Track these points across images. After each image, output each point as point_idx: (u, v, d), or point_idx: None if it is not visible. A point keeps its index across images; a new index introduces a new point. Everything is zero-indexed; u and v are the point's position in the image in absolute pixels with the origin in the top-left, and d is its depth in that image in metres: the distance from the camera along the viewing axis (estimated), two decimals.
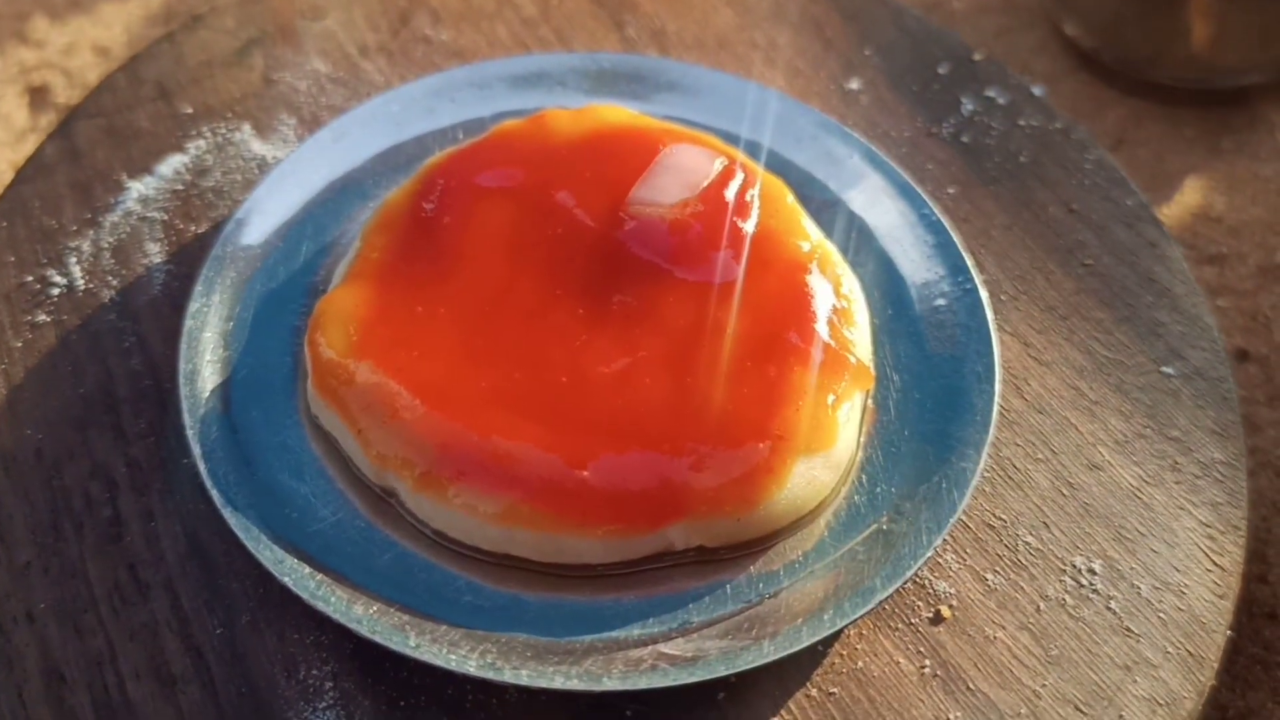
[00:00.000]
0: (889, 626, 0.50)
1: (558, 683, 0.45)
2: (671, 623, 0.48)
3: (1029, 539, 0.53)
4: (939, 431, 0.53)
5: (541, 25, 0.73)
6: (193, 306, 0.56)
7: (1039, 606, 0.51)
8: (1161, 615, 0.51)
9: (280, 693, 0.48)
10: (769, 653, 0.46)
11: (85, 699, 0.48)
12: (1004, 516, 0.54)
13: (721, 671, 0.45)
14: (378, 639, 0.46)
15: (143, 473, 0.54)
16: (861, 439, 0.54)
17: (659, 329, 0.53)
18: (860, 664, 0.49)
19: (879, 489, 0.52)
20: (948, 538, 0.52)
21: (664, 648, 0.47)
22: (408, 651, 0.46)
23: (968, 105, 0.69)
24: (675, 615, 0.48)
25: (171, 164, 0.65)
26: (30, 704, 0.48)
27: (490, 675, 0.45)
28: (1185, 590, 0.52)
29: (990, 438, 0.52)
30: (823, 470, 0.51)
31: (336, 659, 0.49)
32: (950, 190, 0.65)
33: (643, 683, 0.45)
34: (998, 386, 0.54)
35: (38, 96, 0.89)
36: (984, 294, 0.57)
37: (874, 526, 0.51)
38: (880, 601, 0.47)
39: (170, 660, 0.49)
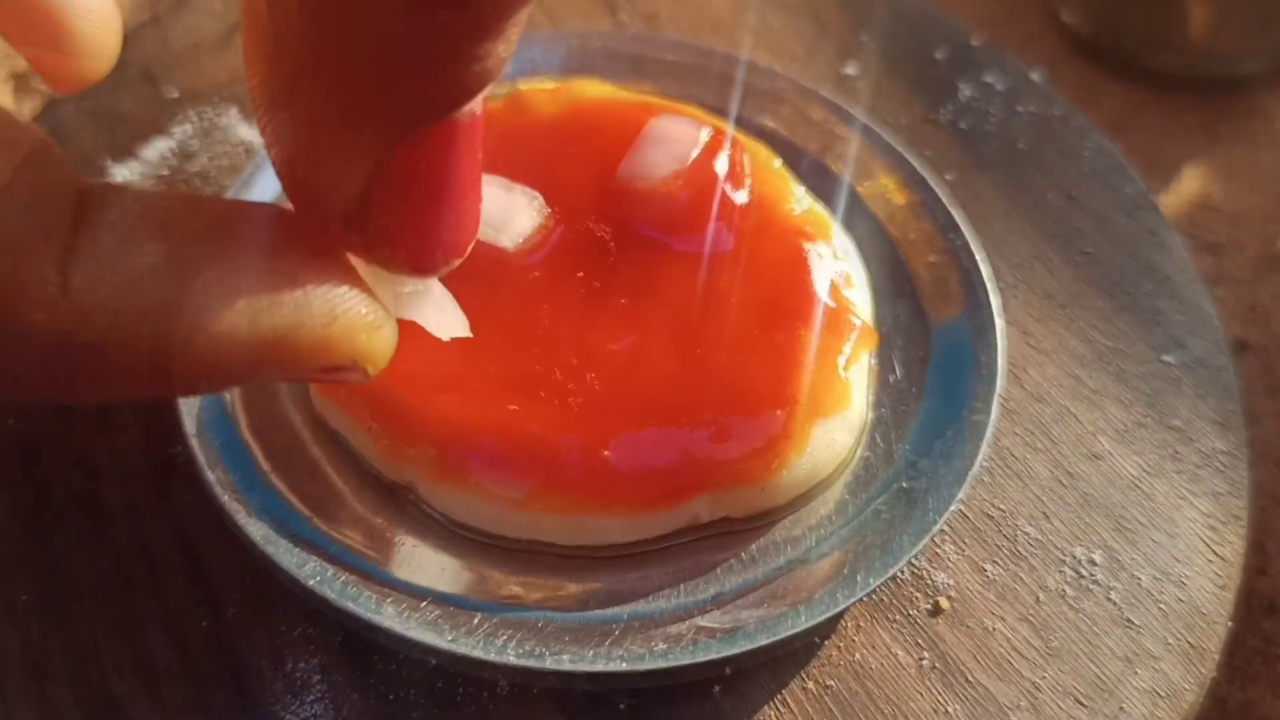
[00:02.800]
0: (887, 618, 0.49)
1: (599, 665, 0.44)
2: (705, 596, 0.47)
3: (1028, 529, 0.52)
4: (945, 387, 0.53)
5: (534, 8, 0.72)
6: None
7: (1039, 598, 0.50)
8: (1162, 606, 0.50)
9: (268, 686, 0.47)
10: (805, 619, 0.45)
11: (69, 693, 0.47)
12: (1003, 507, 0.53)
13: (763, 641, 0.45)
14: (412, 636, 0.45)
15: (127, 463, 0.53)
16: (870, 399, 0.53)
17: (663, 303, 0.53)
18: (858, 656, 0.48)
19: (894, 448, 0.52)
20: (946, 528, 0.52)
21: (701, 621, 0.46)
22: (444, 646, 0.44)
23: (966, 91, 0.68)
24: (707, 588, 0.48)
25: (157, 148, 0.64)
26: (12, 698, 0.47)
27: (531, 663, 0.44)
28: (1186, 581, 0.51)
29: (999, 389, 0.51)
30: (840, 432, 0.50)
31: (324, 652, 0.48)
32: (948, 177, 0.64)
33: (686, 658, 0.44)
34: (1000, 339, 0.53)
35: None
36: (975, 247, 0.56)
37: (894, 485, 0.50)
38: (908, 559, 0.47)
39: (155, 654, 0.48)
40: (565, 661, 0.44)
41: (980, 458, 0.49)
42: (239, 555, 0.49)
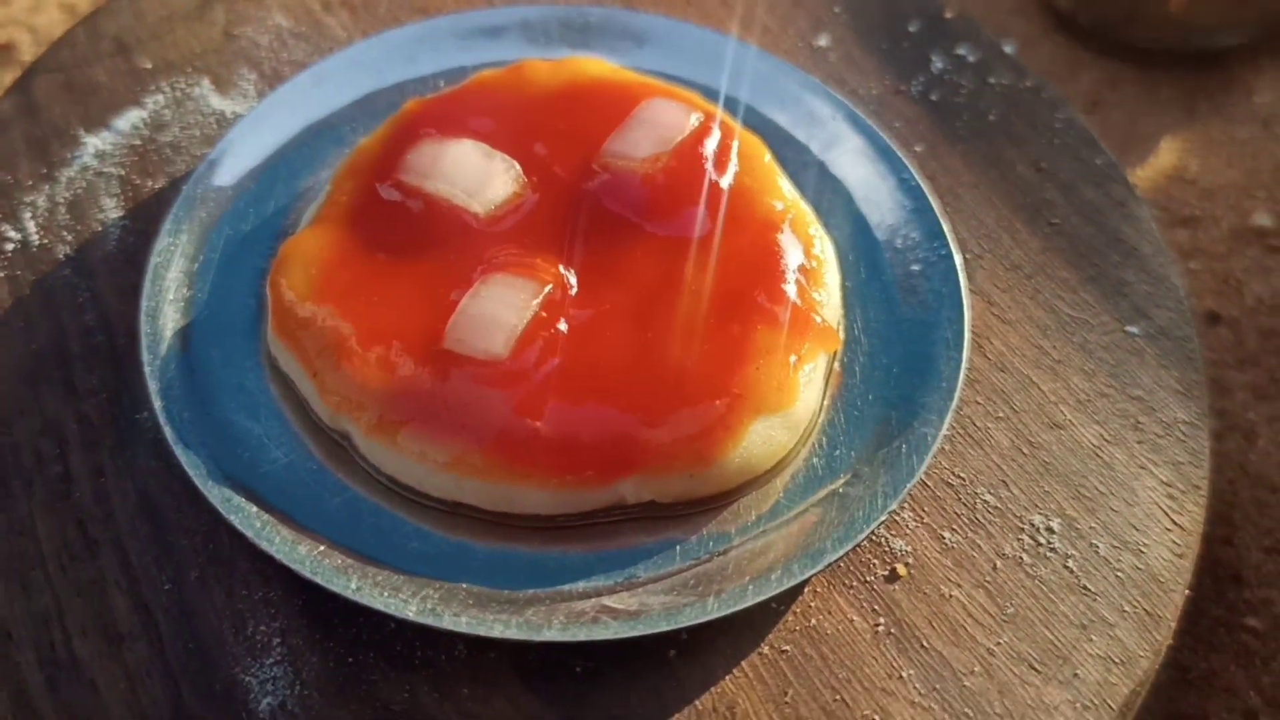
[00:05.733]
0: (844, 584, 0.50)
1: (496, 631, 0.45)
2: (618, 577, 0.48)
3: (988, 497, 0.52)
4: (903, 397, 0.53)
5: None
6: (159, 244, 0.55)
7: (995, 565, 0.50)
8: (1119, 574, 0.50)
9: (228, 649, 0.48)
10: (713, 610, 0.45)
11: (31, 656, 0.48)
12: (963, 475, 0.53)
13: (663, 627, 0.45)
14: (319, 580, 0.46)
15: (93, 429, 0.53)
16: (825, 401, 0.53)
17: (623, 283, 0.53)
18: (814, 621, 0.49)
19: (838, 451, 0.52)
20: (905, 498, 0.52)
21: (607, 601, 0.46)
22: (349, 594, 0.45)
23: (937, 63, 0.69)
24: (623, 570, 0.48)
25: (129, 119, 0.64)
26: None
27: (429, 621, 0.45)
28: (1144, 549, 0.51)
29: (954, 405, 0.51)
30: (780, 430, 0.50)
31: (285, 615, 0.48)
32: (918, 149, 0.64)
33: (582, 634, 0.45)
34: (966, 354, 0.53)
35: (3, 54, 0.88)
36: (959, 260, 0.56)
37: (830, 488, 0.50)
38: (829, 564, 0.47)
39: (118, 617, 0.48)
40: (463, 624, 0.45)
41: (920, 472, 0.49)
42: (202, 519, 0.49)
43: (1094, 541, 0.51)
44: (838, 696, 0.47)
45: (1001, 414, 0.55)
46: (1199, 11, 0.82)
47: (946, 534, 0.51)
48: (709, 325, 0.51)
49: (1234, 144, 0.81)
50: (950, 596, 0.49)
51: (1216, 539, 0.62)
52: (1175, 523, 0.52)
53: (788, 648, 0.48)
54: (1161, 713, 0.56)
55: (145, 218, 0.60)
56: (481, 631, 0.45)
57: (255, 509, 0.48)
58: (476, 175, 0.55)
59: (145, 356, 0.51)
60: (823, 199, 0.59)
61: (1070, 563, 0.51)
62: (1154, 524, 0.52)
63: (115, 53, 0.67)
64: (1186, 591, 0.50)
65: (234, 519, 0.47)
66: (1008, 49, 0.70)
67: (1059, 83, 0.77)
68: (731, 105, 0.61)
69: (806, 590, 0.49)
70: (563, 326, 0.51)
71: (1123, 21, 0.85)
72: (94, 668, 0.47)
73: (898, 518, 0.52)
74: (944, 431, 0.50)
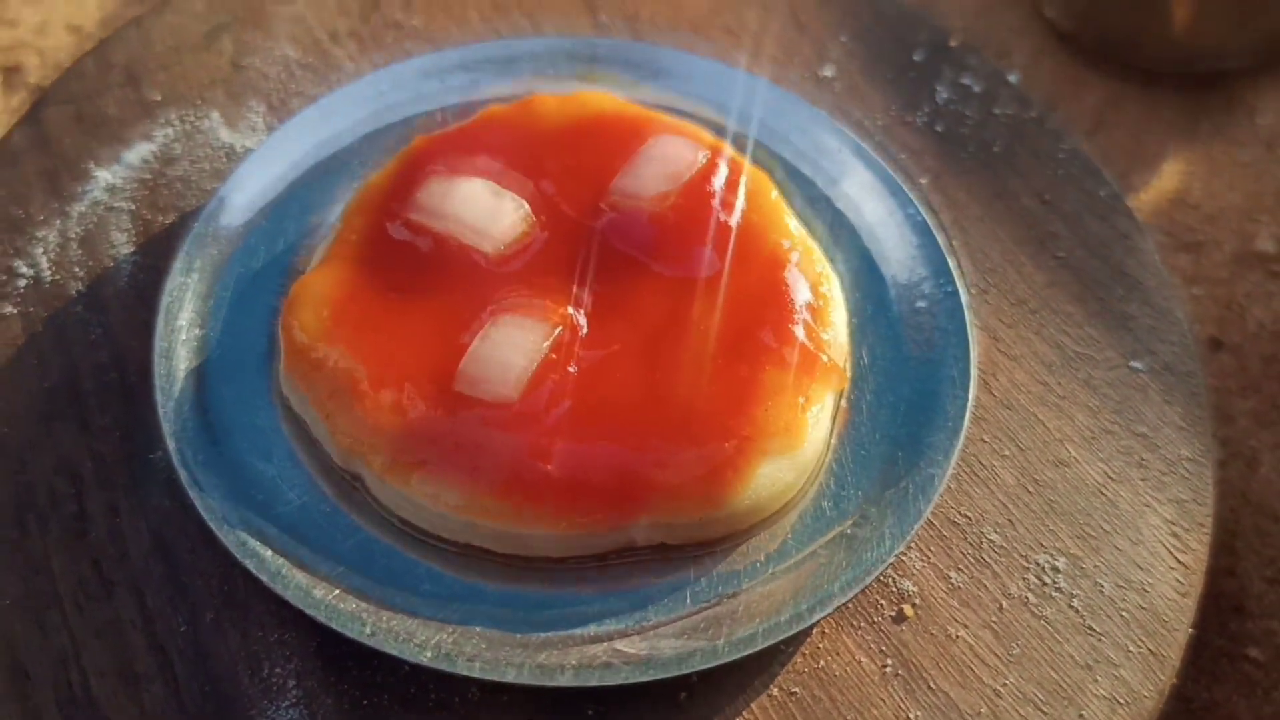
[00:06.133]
0: (851, 625, 0.50)
1: (510, 676, 0.45)
2: (629, 620, 0.48)
3: (993, 536, 0.53)
4: (910, 436, 0.53)
5: (513, 9, 0.72)
6: (171, 283, 0.55)
7: (1001, 605, 0.51)
8: (1124, 614, 0.51)
9: (243, 691, 0.48)
10: (724, 654, 0.46)
11: (49, 696, 0.48)
12: (969, 514, 0.54)
13: (674, 671, 0.46)
14: (334, 625, 0.46)
15: (108, 467, 0.54)
16: (832, 440, 0.54)
17: (631, 323, 0.53)
18: (822, 663, 0.49)
19: (846, 492, 0.52)
20: (912, 539, 0.52)
21: (619, 645, 0.47)
22: (364, 640, 0.46)
23: (942, 93, 0.69)
24: (633, 613, 0.48)
25: (139, 152, 0.65)
26: None
27: (444, 666, 0.46)
28: (1148, 588, 0.52)
29: (960, 445, 0.52)
30: (788, 471, 0.51)
31: (300, 657, 0.49)
32: (922, 180, 0.65)
33: (594, 680, 0.45)
34: (972, 392, 0.53)
35: (11, 77, 0.88)
36: (965, 298, 0.56)
37: (838, 530, 0.51)
38: (838, 606, 0.47)
39: (134, 658, 0.49)
40: (477, 669, 0.46)
41: (927, 514, 0.50)
42: (217, 561, 0.50)
43: (1099, 580, 0.52)
44: None
45: (1007, 452, 0.55)
46: (1202, 32, 0.83)
47: (953, 574, 0.52)
48: (717, 366, 0.52)
49: (1236, 166, 0.81)
50: (957, 637, 0.50)
51: (1219, 570, 0.63)
52: (1179, 561, 0.53)
53: (796, 690, 0.49)
54: None
55: (156, 253, 0.60)
56: (495, 677, 0.45)
57: (270, 553, 0.48)
58: (485, 214, 0.56)
59: (159, 398, 0.52)
60: (829, 234, 0.60)
61: (1075, 602, 0.51)
62: (1158, 562, 0.52)
63: (124, 83, 0.68)
64: (1190, 630, 0.51)
65: (249, 564, 0.48)
66: (1012, 78, 0.70)
67: (1062, 103, 0.77)
68: (738, 139, 0.61)
69: (815, 631, 0.50)
70: (572, 369, 0.51)
71: (1126, 42, 0.85)
72: (111, 708, 0.48)
73: (904, 558, 0.52)
74: (950, 471, 0.51)
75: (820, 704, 0.48)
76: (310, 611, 0.47)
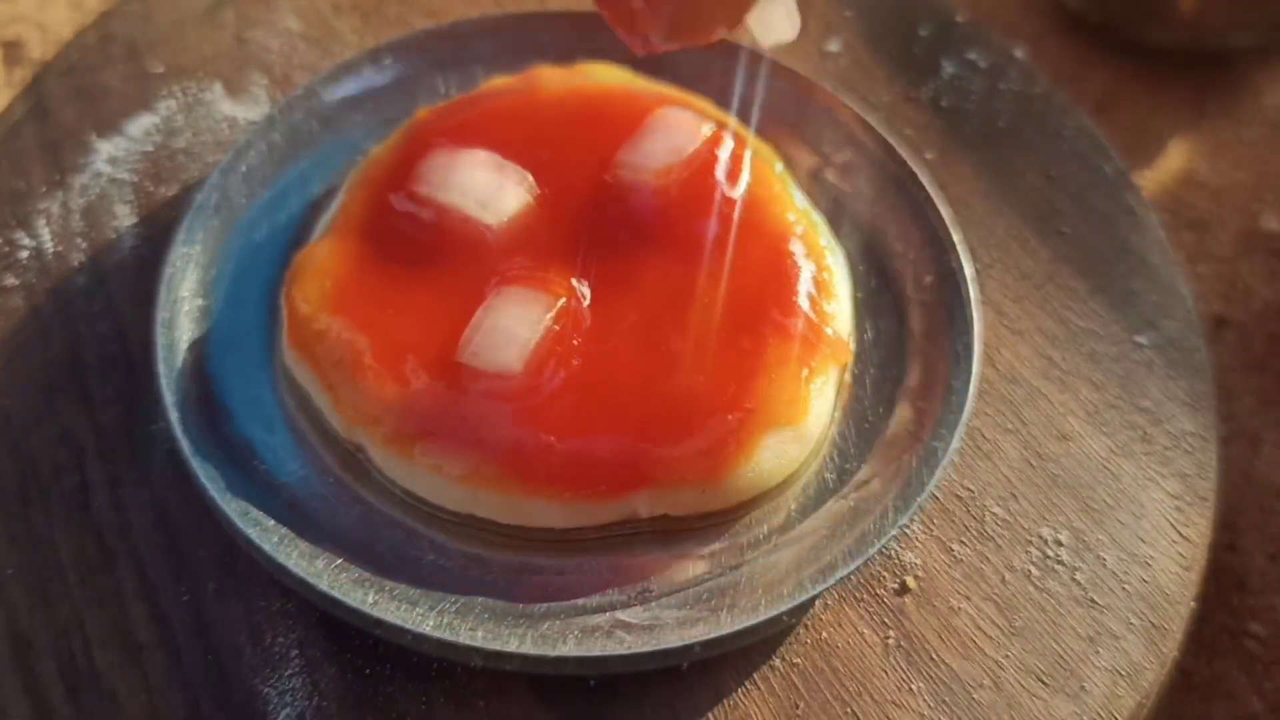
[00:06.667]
0: (854, 598, 0.50)
1: (512, 646, 0.45)
2: (631, 591, 0.48)
3: (996, 510, 0.53)
4: (915, 410, 0.53)
5: None
6: (173, 254, 0.55)
7: (1004, 578, 0.51)
8: (1126, 587, 0.51)
9: (246, 660, 0.48)
10: (725, 624, 0.46)
11: (52, 666, 0.48)
12: (972, 487, 0.54)
13: (675, 642, 0.46)
14: (336, 594, 0.46)
15: (110, 439, 0.54)
16: (836, 414, 0.54)
17: (635, 295, 0.53)
18: (824, 635, 0.49)
19: (849, 465, 0.52)
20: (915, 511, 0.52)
21: (621, 615, 0.47)
22: (366, 609, 0.46)
23: (948, 68, 0.69)
24: (636, 584, 0.48)
25: (141, 124, 0.65)
26: None
27: (446, 635, 0.45)
28: (1151, 562, 0.52)
29: (965, 419, 0.51)
30: (792, 444, 0.51)
31: (302, 626, 0.49)
32: (928, 156, 0.64)
33: (597, 649, 0.45)
34: (976, 368, 0.53)
35: (11, 52, 0.88)
36: (969, 273, 0.56)
37: (841, 502, 0.51)
38: (841, 578, 0.47)
39: (136, 628, 0.49)
40: (479, 638, 0.45)
41: (931, 487, 0.49)
42: (219, 531, 0.50)
43: (1101, 554, 0.52)
44: (848, 709, 0.48)
45: (1011, 426, 0.55)
46: (1210, 12, 0.82)
47: (956, 547, 0.52)
48: (721, 338, 0.52)
49: (1243, 145, 0.81)
50: (959, 609, 0.50)
51: (1221, 546, 0.63)
52: (1182, 535, 0.53)
53: (799, 660, 0.49)
54: (1165, 718, 0.56)
55: (159, 225, 0.60)
56: (497, 646, 0.45)
57: (272, 523, 0.48)
58: (489, 186, 0.56)
59: (160, 369, 0.52)
60: (834, 208, 0.59)
61: (1078, 575, 0.51)
62: (1161, 537, 0.52)
63: (126, 56, 0.68)
64: (1193, 604, 0.51)
65: (252, 533, 0.47)
66: (1018, 54, 0.70)
67: (1068, 82, 0.76)
68: (743, 113, 0.61)
69: (817, 603, 0.50)
70: (575, 340, 0.51)
71: (1133, 21, 0.84)
72: (114, 678, 0.48)
73: (907, 531, 0.52)
74: (954, 446, 0.51)
75: (822, 675, 0.48)
76: (313, 581, 0.47)
